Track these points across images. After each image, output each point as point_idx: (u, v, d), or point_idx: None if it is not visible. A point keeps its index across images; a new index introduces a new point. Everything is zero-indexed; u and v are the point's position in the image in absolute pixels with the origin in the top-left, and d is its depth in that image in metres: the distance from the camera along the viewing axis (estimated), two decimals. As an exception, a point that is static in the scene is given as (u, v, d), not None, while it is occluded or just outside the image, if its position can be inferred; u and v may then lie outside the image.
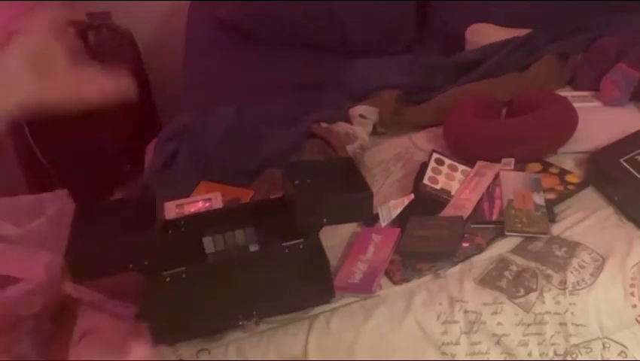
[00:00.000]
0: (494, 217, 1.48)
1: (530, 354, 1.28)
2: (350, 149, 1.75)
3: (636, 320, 1.28)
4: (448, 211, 1.52)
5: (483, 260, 1.39)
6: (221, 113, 1.89)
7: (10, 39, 0.86)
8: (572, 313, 1.28)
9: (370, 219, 1.49)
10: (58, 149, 2.52)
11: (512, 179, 1.56)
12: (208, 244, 1.36)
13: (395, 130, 1.88)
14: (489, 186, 1.56)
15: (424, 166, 1.63)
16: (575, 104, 1.71)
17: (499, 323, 1.28)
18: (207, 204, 1.51)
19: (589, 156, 1.60)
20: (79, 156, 2.54)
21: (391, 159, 1.76)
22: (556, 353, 1.28)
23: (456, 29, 2.25)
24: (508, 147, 1.63)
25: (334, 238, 1.47)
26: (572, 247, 1.38)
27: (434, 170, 1.62)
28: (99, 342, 1.36)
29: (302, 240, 1.30)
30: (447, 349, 1.28)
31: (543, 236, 1.41)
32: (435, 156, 1.66)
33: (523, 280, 1.32)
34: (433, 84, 2.00)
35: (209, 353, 1.29)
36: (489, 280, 1.34)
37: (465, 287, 1.33)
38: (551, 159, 1.63)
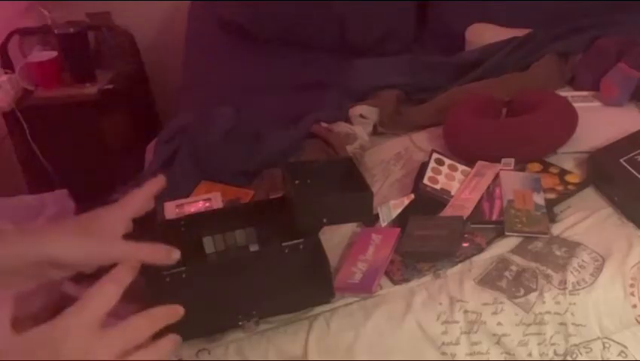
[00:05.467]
0: (494, 217, 1.48)
1: (530, 354, 1.28)
2: (350, 149, 1.75)
3: (636, 320, 1.28)
4: (448, 211, 1.52)
5: (483, 260, 1.39)
6: (221, 113, 1.89)
7: None
8: (572, 314, 1.28)
9: (370, 219, 1.49)
10: (58, 149, 2.52)
11: (512, 179, 1.56)
12: (208, 244, 1.36)
13: (395, 130, 1.88)
14: (489, 186, 1.56)
15: (424, 166, 1.63)
16: (575, 104, 1.71)
17: (499, 323, 1.28)
18: (207, 204, 1.51)
19: (589, 156, 1.60)
20: (79, 156, 2.54)
21: (391, 159, 1.76)
22: (556, 353, 1.28)
23: (456, 29, 2.26)
24: (508, 147, 1.63)
25: (334, 238, 1.48)
26: (572, 247, 1.38)
27: (434, 170, 1.62)
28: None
29: (302, 240, 1.30)
30: (447, 349, 1.28)
31: (543, 236, 1.41)
32: (435, 156, 1.66)
33: (523, 280, 1.32)
34: (433, 84, 2.01)
35: (209, 353, 1.29)
36: (489, 280, 1.34)
37: (465, 287, 1.33)
38: (551, 159, 1.63)
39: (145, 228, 1.27)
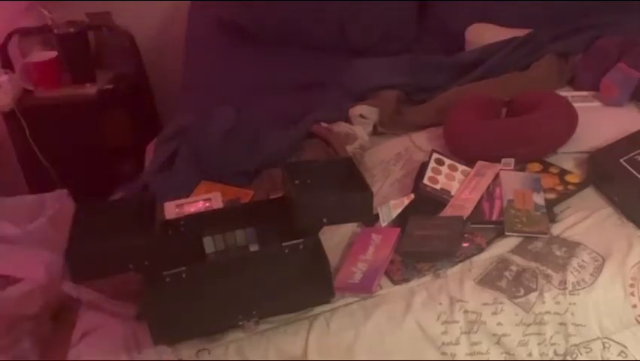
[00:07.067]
0: (494, 217, 1.48)
1: (530, 354, 1.28)
2: (350, 149, 1.75)
3: (636, 320, 1.28)
4: (448, 211, 1.52)
5: (483, 260, 1.39)
6: (221, 113, 1.89)
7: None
8: (572, 314, 1.28)
9: (370, 219, 1.49)
10: (58, 149, 2.52)
11: (512, 179, 1.56)
12: (208, 244, 1.36)
13: (395, 130, 1.88)
14: (489, 186, 1.56)
15: (424, 166, 1.64)
16: (575, 104, 1.71)
17: (499, 323, 1.28)
18: (207, 204, 1.51)
19: (589, 156, 1.60)
20: (79, 156, 2.54)
21: (391, 159, 1.76)
22: (556, 353, 1.28)
23: (456, 29, 2.25)
24: (508, 147, 1.63)
25: (334, 238, 1.48)
26: (572, 247, 1.38)
27: (434, 170, 1.62)
28: (99, 342, 1.36)
29: (302, 240, 1.30)
30: (447, 349, 1.28)
31: (543, 236, 1.41)
32: (435, 156, 1.66)
33: (523, 280, 1.32)
34: (433, 84, 2.01)
35: (209, 353, 1.29)
36: (489, 280, 1.34)
37: (465, 287, 1.33)
38: (551, 159, 1.64)
39: (145, 227, 1.28)
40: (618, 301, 1.29)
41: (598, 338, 1.28)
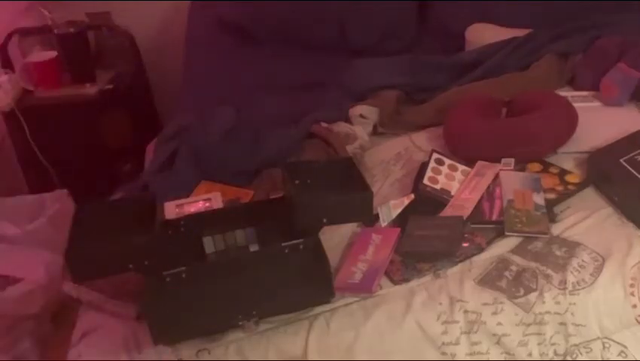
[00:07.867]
0: (494, 217, 1.48)
1: (530, 354, 1.28)
2: (350, 149, 1.75)
3: (636, 320, 1.28)
4: (448, 211, 1.53)
5: (483, 260, 1.39)
6: (221, 113, 1.90)
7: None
8: (572, 314, 1.28)
9: (370, 219, 1.49)
10: (58, 149, 2.52)
11: (512, 179, 1.56)
12: (208, 244, 1.36)
13: (395, 130, 1.88)
14: (489, 186, 1.56)
15: (424, 166, 1.64)
16: (575, 104, 1.71)
17: (499, 323, 1.28)
18: (207, 204, 1.51)
19: (589, 156, 1.60)
20: (79, 156, 2.54)
21: (391, 159, 1.76)
22: (556, 353, 1.28)
23: (456, 29, 2.26)
24: (508, 147, 1.63)
25: (334, 238, 1.48)
26: (572, 247, 1.38)
27: (434, 170, 1.62)
28: (98, 342, 1.36)
29: (302, 240, 1.30)
30: (447, 349, 1.28)
31: (543, 236, 1.42)
32: (435, 156, 1.66)
33: (523, 280, 1.32)
34: (433, 84, 2.01)
35: (209, 353, 1.29)
36: (489, 280, 1.34)
37: (465, 287, 1.33)
38: (551, 159, 1.64)
39: (145, 227, 1.28)
40: (618, 301, 1.29)
41: (598, 338, 1.28)
